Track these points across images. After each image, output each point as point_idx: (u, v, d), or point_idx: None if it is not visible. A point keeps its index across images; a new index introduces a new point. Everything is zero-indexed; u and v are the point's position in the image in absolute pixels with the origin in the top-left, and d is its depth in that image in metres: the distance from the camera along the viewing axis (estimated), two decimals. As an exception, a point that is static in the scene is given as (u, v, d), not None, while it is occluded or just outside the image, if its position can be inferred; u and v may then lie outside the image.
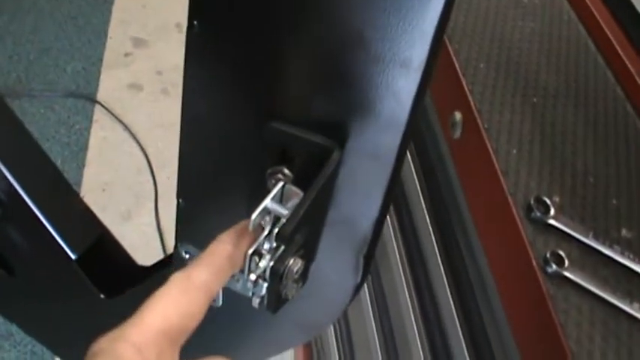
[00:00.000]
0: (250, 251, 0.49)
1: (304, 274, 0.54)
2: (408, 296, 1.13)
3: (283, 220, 0.48)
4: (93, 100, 2.86)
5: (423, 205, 1.11)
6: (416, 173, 1.15)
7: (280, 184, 0.51)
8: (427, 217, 1.09)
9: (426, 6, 0.42)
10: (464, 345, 0.94)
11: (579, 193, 0.86)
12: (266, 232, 0.50)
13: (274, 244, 0.49)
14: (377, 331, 1.25)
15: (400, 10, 0.43)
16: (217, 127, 0.56)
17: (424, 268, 1.09)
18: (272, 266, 0.48)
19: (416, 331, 1.08)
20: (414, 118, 0.48)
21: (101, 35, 3.17)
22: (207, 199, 0.62)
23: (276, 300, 0.51)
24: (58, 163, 2.60)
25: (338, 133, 0.50)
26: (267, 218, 0.50)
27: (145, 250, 2.29)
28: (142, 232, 2.44)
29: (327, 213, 0.56)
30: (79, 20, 3.21)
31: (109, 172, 2.63)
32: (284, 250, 0.49)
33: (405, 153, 0.52)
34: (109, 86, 2.95)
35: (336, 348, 1.48)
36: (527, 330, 0.79)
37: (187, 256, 0.64)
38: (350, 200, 0.55)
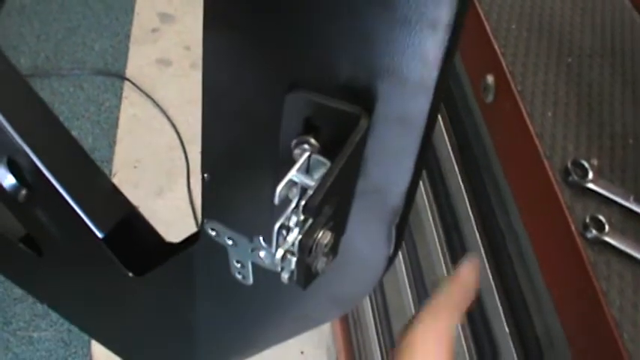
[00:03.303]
0: (277, 225, 0.48)
1: (334, 247, 0.52)
2: (444, 264, 1.12)
3: (310, 192, 0.46)
4: (122, 77, 2.86)
5: (457, 172, 1.09)
6: (449, 140, 1.13)
7: (306, 154, 0.49)
8: (461, 183, 1.07)
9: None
10: (502, 313, 0.93)
11: (618, 155, 0.83)
12: (293, 205, 0.48)
13: (302, 217, 0.47)
14: (413, 300, 1.24)
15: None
16: (239, 97, 0.54)
17: (459, 236, 1.08)
18: (300, 240, 0.47)
19: (452, 300, 1.07)
20: (443, 82, 0.46)
21: (128, 12, 3.17)
22: (232, 173, 0.60)
23: (305, 275, 0.49)
24: (89, 142, 2.61)
25: (364, 100, 0.48)
26: (295, 190, 0.49)
27: (179, 226, 2.29)
28: (175, 208, 2.44)
29: (356, 183, 0.54)
30: (105, -3, 3.22)
31: (140, 148, 2.63)
32: (312, 223, 0.47)
33: (436, 118, 0.50)
34: (137, 63, 2.95)
35: (372, 317, 1.48)
36: (568, 298, 0.77)
37: (214, 233, 0.63)
38: (379, 169, 0.53)
